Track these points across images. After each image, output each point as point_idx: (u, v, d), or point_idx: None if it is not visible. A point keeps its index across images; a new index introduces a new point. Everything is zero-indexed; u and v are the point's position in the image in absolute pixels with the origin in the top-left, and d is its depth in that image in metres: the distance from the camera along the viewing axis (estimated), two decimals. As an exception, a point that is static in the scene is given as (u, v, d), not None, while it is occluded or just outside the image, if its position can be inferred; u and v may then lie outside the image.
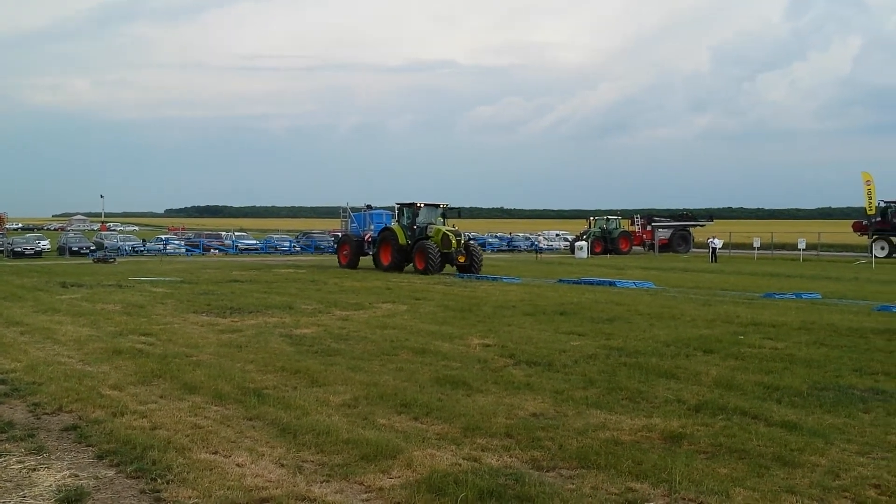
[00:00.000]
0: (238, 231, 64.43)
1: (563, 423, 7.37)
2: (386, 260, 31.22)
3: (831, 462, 6.23)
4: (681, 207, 79.45)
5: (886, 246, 46.79)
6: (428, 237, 30.23)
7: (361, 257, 33.23)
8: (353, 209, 36.39)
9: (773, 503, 5.37)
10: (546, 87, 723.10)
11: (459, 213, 33.74)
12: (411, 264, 30.29)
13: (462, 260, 29.84)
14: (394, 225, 31.95)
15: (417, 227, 30.86)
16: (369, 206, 36.16)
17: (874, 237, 46.74)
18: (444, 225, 31.26)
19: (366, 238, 33.17)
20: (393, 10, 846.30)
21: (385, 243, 31.48)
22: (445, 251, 29.57)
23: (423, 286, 23.28)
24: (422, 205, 31.33)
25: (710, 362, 10.57)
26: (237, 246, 50.92)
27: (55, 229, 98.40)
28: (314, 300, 18.74)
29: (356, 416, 7.67)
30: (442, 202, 32.36)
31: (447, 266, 29.90)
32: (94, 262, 37.55)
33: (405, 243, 30.58)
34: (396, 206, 32.33)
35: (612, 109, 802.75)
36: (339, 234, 40.50)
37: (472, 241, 32.46)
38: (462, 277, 27.67)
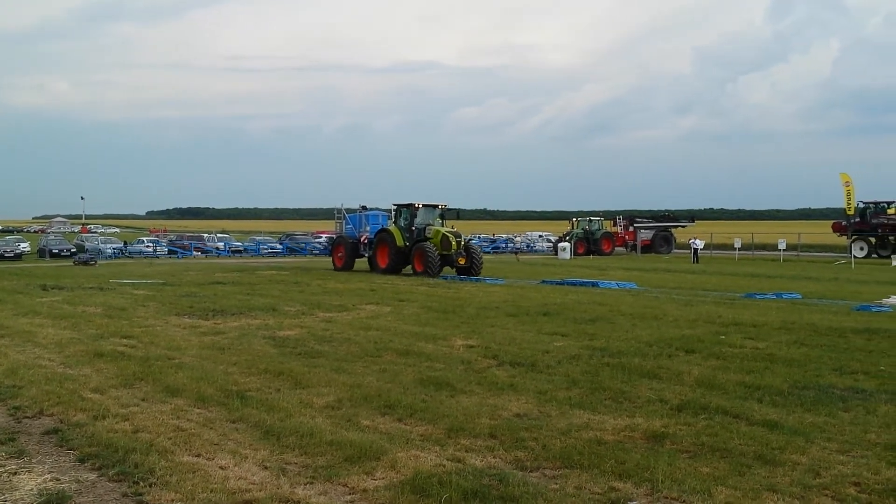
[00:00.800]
0: (220, 233, 63.99)
1: (547, 424, 7.39)
2: (383, 262, 30.58)
3: (812, 460, 6.29)
4: (665, 208, 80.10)
5: (865, 246, 47.41)
6: (427, 239, 29.53)
7: (356, 259, 32.68)
8: (348, 210, 35.69)
9: (755, 501, 5.42)
10: (531, 88, 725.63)
11: (458, 214, 32.85)
12: (409, 266, 29.67)
13: (462, 262, 29.14)
14: (391, 226, 31.21)
15: (416, 228, 30.13)
16: (364, 207, 35.54)
17: (853, 238, 47.39)
18: (443, 226, 30.51)
19: (361, 240, 32.62)
20: (379, 11, 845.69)
21: (382, 245, 30.83)
22: (445, 253, 28.88)
23: (406, 287, 23.26)
24: (420, 205, 30.56)
25: (692, 362, 10.63)
26: (229, 248, 50.54)
27: (35, 231, 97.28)
28: (297, 302, 18.68)
29: (340, 417, 7.66)
30: (440, 202, 31.51)
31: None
32: (75, 264, 37.24)
33: (403, 245, 29.88)
34: (394, 206, 31.62)
35: (597, 110, 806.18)
36: (333, 235, 40.04)
37: (471, 243, 31.90)
38: (447, 279, 27.58)
